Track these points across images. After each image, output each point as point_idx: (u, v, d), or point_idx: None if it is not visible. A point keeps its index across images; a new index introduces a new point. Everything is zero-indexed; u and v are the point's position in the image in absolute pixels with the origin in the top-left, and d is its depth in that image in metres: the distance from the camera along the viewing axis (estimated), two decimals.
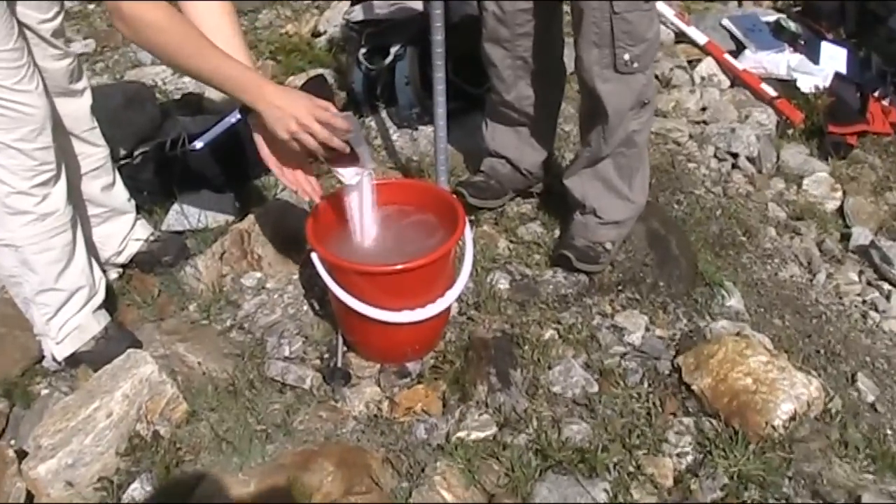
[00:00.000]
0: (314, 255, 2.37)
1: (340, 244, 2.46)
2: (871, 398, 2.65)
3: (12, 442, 2.55)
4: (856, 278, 3.37)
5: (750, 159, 3.93)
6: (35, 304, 2.51)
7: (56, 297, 2.49)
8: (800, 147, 4.08)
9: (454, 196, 2.57)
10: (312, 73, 3.96)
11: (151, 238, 2.93)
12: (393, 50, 3.35)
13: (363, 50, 3.42)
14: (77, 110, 2.60)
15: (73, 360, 2.63)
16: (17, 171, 2.29)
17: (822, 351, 2.85)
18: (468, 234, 2.46)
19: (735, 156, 3.92)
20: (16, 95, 2.22)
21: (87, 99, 2.63)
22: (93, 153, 2.69)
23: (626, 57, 2.55)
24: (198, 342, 2.63)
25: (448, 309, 2.49)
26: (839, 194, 3.81)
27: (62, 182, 2.42)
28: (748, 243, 3.31)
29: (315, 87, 3.45)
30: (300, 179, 2.39)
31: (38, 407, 2.60)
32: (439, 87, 2.74)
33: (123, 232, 2.86)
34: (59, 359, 2.60)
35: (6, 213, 2.34)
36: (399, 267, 2.28)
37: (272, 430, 2.36)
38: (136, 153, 3.24)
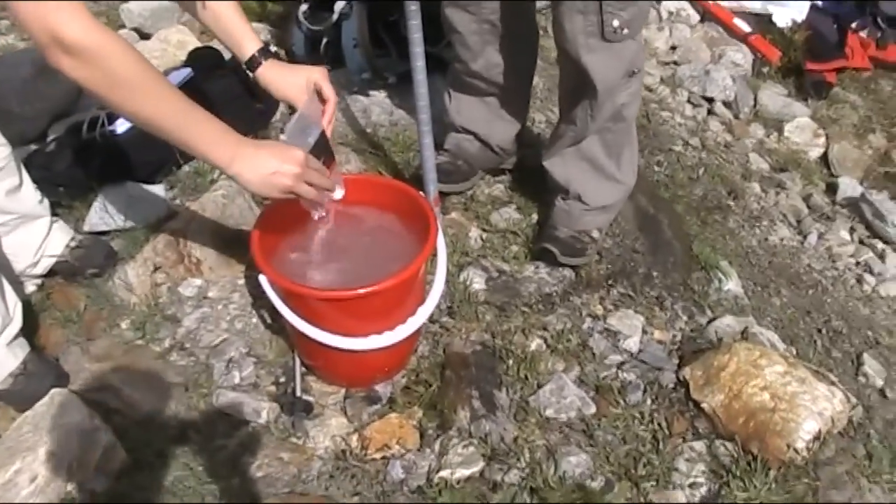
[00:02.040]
0: (263, 279, 2.02)
1: (293, 259, 2.12)
2: (879, 382, 2.48)
3: None
4: (847, 237, 3.21)
5: (726, 104, 3.71)
6: None
7: None
8: (777, 87, 3.85)
9: (422, 195, 2.21)
10: None
11: (73, 244, 2.54)
12: (338, 7, 2.94)
13: (304, 7, 3.01)
14: None
15: None
16: None
17: (823, 330, 2.68)
18: (441, 241, 2.12)
19: (710, 101, 3.68)
20: None
21: None
22: None
23: (615, 23, 2.22)
24: (134, 370, 2.30)
25: (420, 327, 2.16)
26: (822, 140, 3.62)
27: None
28: (734, 205, 3.08)
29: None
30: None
31: None
32: (418, 64, 2.35)
33: (38, 240, 2.47)
34: None
35: None
36: (364, 291, 1.95)
37: (226, 479, 2.06)
38: (48, 139, 2.83)
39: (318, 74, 2.09)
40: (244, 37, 2.07)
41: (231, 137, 1.78)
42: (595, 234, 2.56)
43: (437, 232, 2.06)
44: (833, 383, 2.18)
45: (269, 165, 1.78)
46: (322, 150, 2.00)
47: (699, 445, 2.11)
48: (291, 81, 2.09)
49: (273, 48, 2.11)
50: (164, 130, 1.70)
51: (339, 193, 2.09)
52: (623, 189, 2.55)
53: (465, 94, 2.68)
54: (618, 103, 2.38)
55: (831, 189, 3.40)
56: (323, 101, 2.10)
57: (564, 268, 2.53)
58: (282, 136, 2.56)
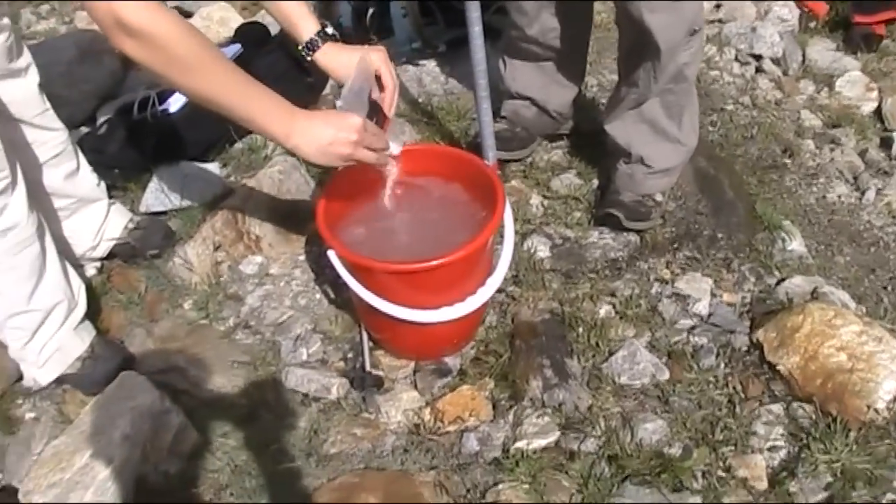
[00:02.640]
0: (331, 254, 1.99)
1: (358, 233, 2.09)
2: None
3: (0, 476, 2.22)
4: None
5: (775, 60, 3.60)
6: (7, 330, 2.14)
7: (30, 319, 2.12)
8: (825, 42, 3.75)
9: (486, 164, 2.18)
10: None
11: (131, 225, 2.53)
12: None
13: None
14: (23, 93, 2.17)
15: (59, 383, 2.26)
16: None
17: (889, 287, 2.59)
18: (508, 210, 2.08)
19: (758, 58, 3.58)
20: None
21: (33, 77, 2.19)
22: (49, 139, 2.27)
23: None
24: (199, 350, 2.29)
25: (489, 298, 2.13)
26: (875, 94, 3.50)
27: (20, 190, 2.02)
28: (790, 163, 3.00)
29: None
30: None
31: (23, 435, 2.26)
32: (475, 29, 2.30)
33: (97, 223, 2.46)
34: (43, 384, 2.24)
35: None
36: (435, 263, 1.92)
37: (300, 457, 2.04)
38: (99, 121, 2.81)
39: (377, 56, 2.04)
40: (302, 18, 2.03)
41: (286, 111, 1.76)
42: (659, 197, 2.53)
43: (505, 201, 2.03)
44: None
45: (325, 135, 1.76)
46: (374, 112, 1.96)
47: (776, 408, 2.06)
48: (351, 64, 2.04)
49: (330, 30, 2.06)
50: (223, 107, 1.69)
51: (395, 149, 2.05)
52: (685, 150, 2.50)
53: (520, 61, 2.63)
54: (679, 63, 2.31)
55: (886, 144, 3.30)
56: (382, 87, 2.05)
57: (629, 232, 2.49)
58: (338, 103, 2.53)
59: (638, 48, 2.31)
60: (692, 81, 2.43)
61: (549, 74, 2.64)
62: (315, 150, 1.77)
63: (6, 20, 2.02)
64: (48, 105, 2.25)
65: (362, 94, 1.94)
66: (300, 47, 2.03)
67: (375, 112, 1.96)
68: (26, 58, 2.16)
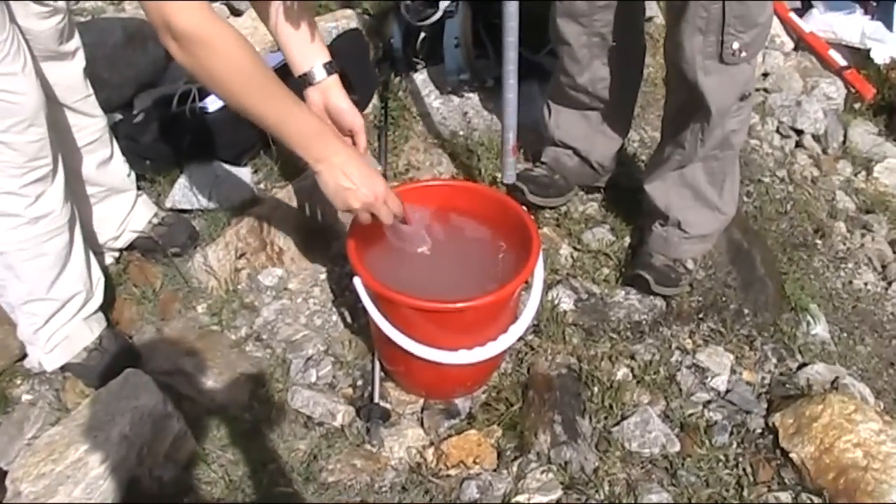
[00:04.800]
0: (357, 281, 1.96)
1: (386, 264, 2.05)
2: None
3: None
4: None
5: (815, 137, 3.57)
6: (21, 313, 2.11)
7: (47, 306, 2.10)
8: (868, 125, 3.72)
9: (523, 209, 2.14)
10: (340, 14, 3.46)
11: (155, 220, 2.50)
12: (443, 4, 2.86)
13: (407, 0, 2.93)
14: (69, 76, 2.15)
15: (62, 370, 2.23)
16: (4, 168, 1.87)
17: None
18: (540, 261, 2.05)
19: (800, 133, 3.55)
20: None
21: (80, 61, 2.18)
22: (88, 125, 2.25)
23: (735, 46, 2.13)
24: (208, 356, 2.25)
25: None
26: None
27: (59, 178, 1.99)
28: (820, 244, 2.97)
29: (348, 43, 2.98)
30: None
31: (17, 417, 2.23)
32: (510, 68, 2.29)
33: (122, 213, 2.43)
34: (48, 370, 2.21)
35: None
36: (462, 305, 1.88)
37: (297, 480, 2.01)
38: (136, 109, 2.78)
39: (359, 122, 2.04)
40: (316, 47, 2.00)
41: (326, 140, 1.79)
42: (690, 264, 2.49)
43: (539, 251, 1.99)
44: None
45: (348, 181, 1.81)
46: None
47: (785, 497, 2.02)
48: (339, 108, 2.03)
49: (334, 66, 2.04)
50: (261, 124, 1.73)
51: (420, 245, 2.11)
52: (723, 219, 2.47)
53: (565, 108, 2.60)
54: (728, 129, 2.29)
55: None
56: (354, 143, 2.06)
57: (656, 296, 2.45)
58: (368, 156, 2.52)
59: (688, 109, 2.29)
60: (738, 150, 2.40)
61: (595, 125, 2.60)
62: (333, 187, 1.82)
63: (62, 2, 2.00)
64: (91, 91, 2.23)
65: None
66: (302, 74, 2.00)
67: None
68: (76, 41, 2.14)
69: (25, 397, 2.28)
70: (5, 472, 2.00)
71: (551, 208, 2.67)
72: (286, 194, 2.53)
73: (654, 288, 2.40)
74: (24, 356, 2.30)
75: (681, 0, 2.11)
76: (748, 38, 2.13)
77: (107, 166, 2.34)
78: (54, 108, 2.09)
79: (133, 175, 2.46)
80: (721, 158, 2.36)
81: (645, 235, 2.53)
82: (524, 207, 2.17)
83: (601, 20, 2.37)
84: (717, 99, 2.21)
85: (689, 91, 2.24)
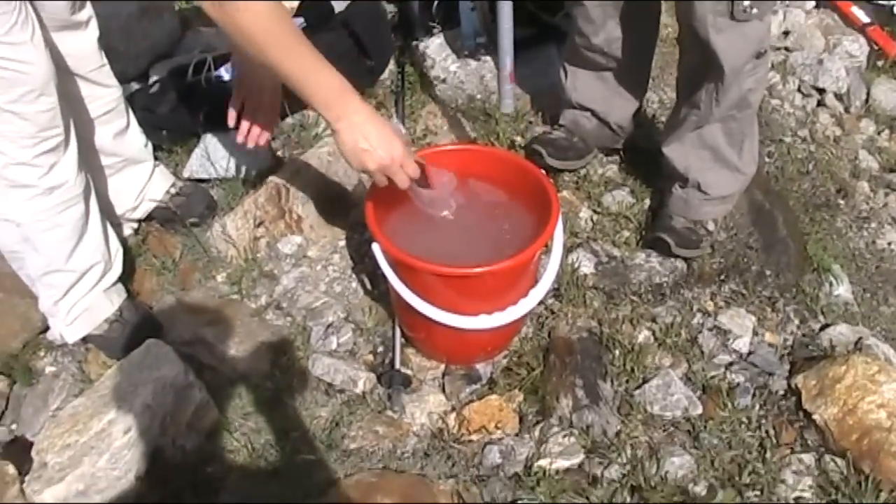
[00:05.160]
0: (375, 247, 1.96)
1: (405, 229, 2.05)
2: None
3: (13, 426, 2.24)
4: None
5: (838, 96, 3.52)
6: (41, 285, 2.12)
7: (65, 278, 2.10)
8: (892, 83, 3.64)
9: (543, 173, 2.12)
10: None
11: (173, 190, 2.50)
12: None
13: None
14: (82, 47, 2.14)
15: (84, 342, 2.25)
16: (16, 138, 1.86)
17: None
18: (560, 226, 2.03)
19: (822, 91, 3.50)
20: (5, 50, 1.77)
21: (93, 31, 2.17)
22: (102, 95, 2.25)
23: (746, 2, 2.10)
24: (228, 326, 2.25)
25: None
26: None
27: (72, 148, 1.99)
28: (843, 204, 2.94)
29: (363, 9, 2.95)
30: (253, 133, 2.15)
31: (41, 388, 2.26)
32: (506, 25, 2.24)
33: (140, 184, 2.43)
34: (69, 342, 2.22)
35: (5, 185, 1.92)
36: (481, 270, 1.88)
37: (319, 447, 2.01)
38: (151, 80, 2.77)
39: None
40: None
41: (347, 99, 1.80)
42: (711, 225, 2.46)
43: (559, 215, 1.98)
44: None
45: (366, 142, 1.81)
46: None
47: (808, 458, 2.01)
48: None
49: None
50: (285, 80, 1.77)
51: (443, 210, 2.09)
52: (743, 179, 2.45)
53: (582, 70, 2.57)
54: (744, 88, 2.25)
55: None
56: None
57: (677, 259, 2.43)
58: (394, 120, 2.50)
59: (701, 69, 2.25)
60: (755, 108, 2.37)
61: (611, 86, 2.58)
62: (349, 146, 1.83)
63: None
64: (105, 61, 2.23)
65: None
66: None
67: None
68: (88, 10, 2.13)
69: (49, 369, 2.29)
70: (31, 443, 2.01)
71: (570, 171, 2.65)
72: (304, 162, 2.52)
73: (674, 250, 2.39)
74: (47, 329, 2.31)
75: None
76: None
77: (123, 137, 2.34)
78: (67, 79, 2.09)
79: (150, 146, 2.46)
80: (739, 118, 2.33)
81: (665, 198, 2.52)
82: (543, 171, 2.14)
83: None
84: (730, 57, 2.18)
85: (701, 50, 2.20)
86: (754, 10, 2.11)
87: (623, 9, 2.40)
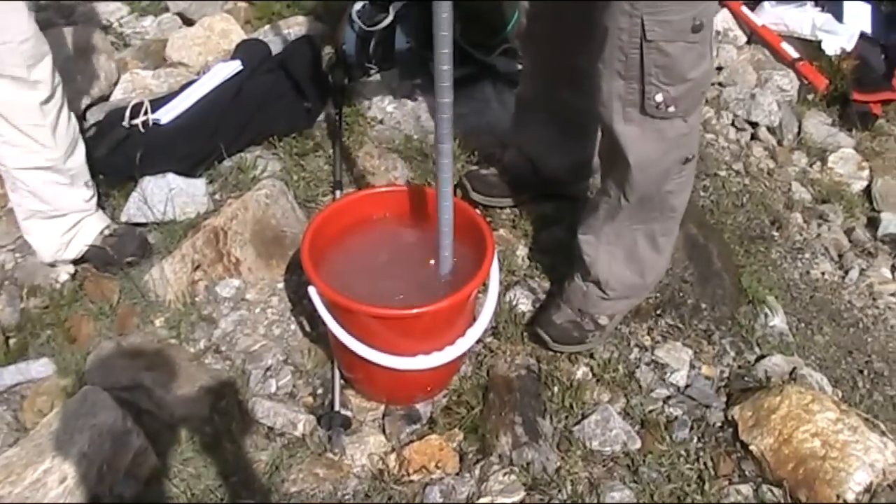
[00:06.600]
0: (312, 290, 1.96)
1: (342, 270, 2.06)
2: None
3: None
4: (889, 274, 3.11)
5: (770, 129, 3.60)
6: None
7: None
8: (822, 116, 3.74)
9: (477, 212, 2.14)
10: (292, 21, 3.45)
11: (107, 231, 2.48)
12: (394, 8, 2.85)
13: (358, 6, 2.91)
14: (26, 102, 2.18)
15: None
16: None
17: (864, 371, 2.60)
18: (495, 264, 2.05)
19: (755, 125, 3.58)
20: None
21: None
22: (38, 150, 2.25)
23: (659, 98, 1.89)
24: (167, 370, 2.23)
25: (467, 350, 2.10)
26: (866, 173, 3.51)
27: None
28: (777, 236, 3.00)
29: (299, 50, 2.97)
30: None
31: None
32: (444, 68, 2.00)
33: (72, 228, 2.42)
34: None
35: None
36: (417, 311, 1.89)
37: (260, 491, 2.01)
38: (87, 123, 2.76)
39: None
40: None
41: None
42: (603, 320, 2.31)
43: (493, 255, 2.00)
44: (884, 433, 2.11)
45: None
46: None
47: (746, 489, 2.04)
48: None
49: None
50: None
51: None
52: (652, 281, 2.36)
53: (527, 115, 2.56)
54: (663, 190, 2.08)
55: (873, 224, 3.29)
56: None
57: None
58: None
59: (610, 156, 2.10)
60: (681, 212, 2.22)
61: (553, 137, 2.51)
62: None
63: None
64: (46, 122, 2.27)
65: None
66: None
67: None
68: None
69: None
70: None
71: (497, 208, 2.65)
72: (241, 204, 2.51)
73: (552, 346, 2.28)
74: None
75: (601, 38, 1.91)
76: (675, 92, 1.90)
77: (64, 191, 2.34)
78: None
79: (94, 199, 2.46)
80: (662, 221, 2.20)
81: (566, 280, 2.38)
82: (477, 209, 2.14)
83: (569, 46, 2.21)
84: (636, 151, 1.99)
85: (608, 137, 2.06)
86: (671, 108, 1.92)
87: (572, 71, 2.23)
